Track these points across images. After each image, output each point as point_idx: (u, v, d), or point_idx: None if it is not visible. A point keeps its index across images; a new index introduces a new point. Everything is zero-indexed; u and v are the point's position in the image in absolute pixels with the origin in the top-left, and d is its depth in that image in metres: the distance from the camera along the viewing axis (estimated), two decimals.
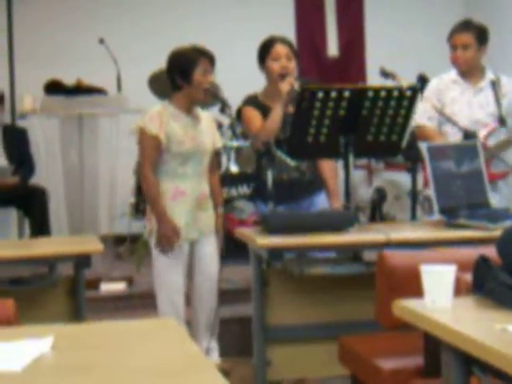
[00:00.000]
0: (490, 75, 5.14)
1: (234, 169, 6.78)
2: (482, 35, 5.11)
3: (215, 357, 4.44)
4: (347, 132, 4.32)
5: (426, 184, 5.03)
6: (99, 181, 6.24)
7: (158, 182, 4.29)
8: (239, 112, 4.84)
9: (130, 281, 5.92)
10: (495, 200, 4.48)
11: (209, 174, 4.46)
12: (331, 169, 4.91)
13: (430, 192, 5.18)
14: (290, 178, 4.77)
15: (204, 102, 4.47)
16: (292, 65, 4.67)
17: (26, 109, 6.42)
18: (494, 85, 4.96)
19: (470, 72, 5.13)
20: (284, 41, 4.76)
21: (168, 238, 4.25)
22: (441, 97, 5.16)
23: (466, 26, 5.13)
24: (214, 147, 4.48)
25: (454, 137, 5.00)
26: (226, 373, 4.24)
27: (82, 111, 6.10)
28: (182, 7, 8.10)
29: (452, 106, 5.02)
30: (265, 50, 4.70)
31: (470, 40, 5.07)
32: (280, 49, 4.67)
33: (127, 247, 6.77)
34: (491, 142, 4.95)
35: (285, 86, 4.49)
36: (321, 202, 4.82)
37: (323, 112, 4.24)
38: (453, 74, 5.20)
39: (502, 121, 4.90)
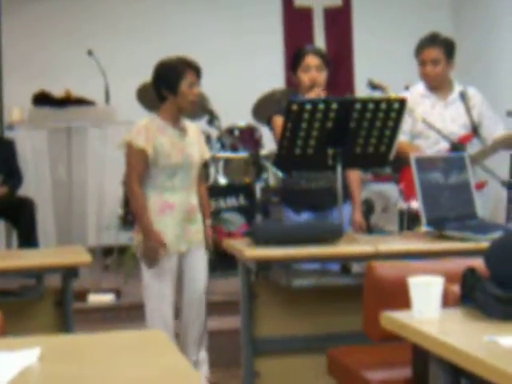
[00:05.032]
0: (458, 87, 5.12)
1: (223, 180, 6.78)
2: (450, 49, 5.05)
3: (205, 369, 4.42)
4: (335, 144, 4.32)
5: (407, 197, 5.02)
6: (87, 192, 6.23)
7: (144, 195, 4.27)
8: (270, 120, 4.81)
9: (117, 292, 5.90)
10: None
11: (197, 185, 4.45)
12: (357, 180, 4.92)
13: (408, 205, 5.19)
14: (318, 187, 4.77)
15: (191, 112, 4.45)
16: (322, 76, 4.71)
17: (14, 120, 6.41)
18: (464, 96, 4.95)
19: (439, 86, 5.11)
20: (316, 51, 4.80)
21: (154, 251, 4.23)
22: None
23: (433, 40, 5.05)
24: (202, 159, 4.47)
25: (427, 150, 4.99)
26: None
27: (71, 123, 6.10)
28: (172, 20, 8.11)
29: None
30: (296, 61, 4.75)
31: (439, 55, 5.00)
32: (310, 60, 4.70)
33: (115, 259, 6.75)
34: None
35: (312, 97, 4.49)
36: (347, 212, 4.74)
37: (311, 124, 4.24)
38: (421, 87, 5.16)
39: (476, 131, 4.90)
